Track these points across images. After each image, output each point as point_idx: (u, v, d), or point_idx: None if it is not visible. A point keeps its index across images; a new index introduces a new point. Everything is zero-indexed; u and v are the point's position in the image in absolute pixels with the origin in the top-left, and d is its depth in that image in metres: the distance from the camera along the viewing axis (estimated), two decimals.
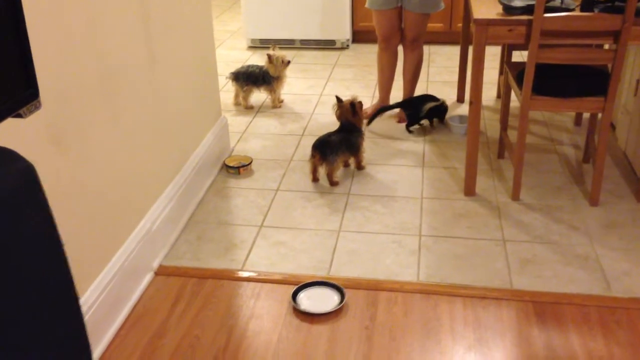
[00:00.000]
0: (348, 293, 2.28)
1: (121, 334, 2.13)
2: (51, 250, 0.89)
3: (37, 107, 0.86)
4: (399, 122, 3.74)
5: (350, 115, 3.12)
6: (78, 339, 1.00)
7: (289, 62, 3.93)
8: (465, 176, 2.95)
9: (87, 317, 1.93)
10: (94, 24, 1.96)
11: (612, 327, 2.12)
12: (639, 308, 2.21)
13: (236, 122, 3.77)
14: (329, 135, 3.11)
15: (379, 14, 3.61)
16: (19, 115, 0.84)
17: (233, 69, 4.02)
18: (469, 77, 2.95)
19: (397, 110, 3.79)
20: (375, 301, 2.27)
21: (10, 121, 0.88)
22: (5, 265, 0.81)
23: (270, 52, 3.91)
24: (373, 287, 2.34)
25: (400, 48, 3.76)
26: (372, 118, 3.64)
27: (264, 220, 2.78)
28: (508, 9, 2.63)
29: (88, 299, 1.97)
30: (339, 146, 3.04)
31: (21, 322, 0.86)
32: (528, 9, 2.57)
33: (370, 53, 4.80)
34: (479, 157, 3.04)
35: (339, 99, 3.15)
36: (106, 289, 2.06)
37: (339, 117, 3.16)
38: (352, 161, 3.20)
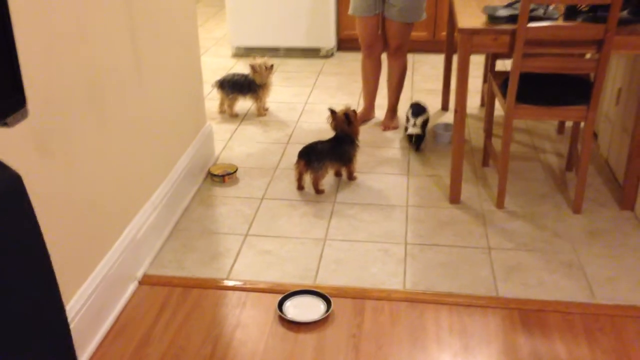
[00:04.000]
0: (334, 302, 2.28)
1: (105, 344, 2.10)
2: (37, 260, 0.88)
3: (24, 116, 0.85)
4: (384, 130, 3.75)
5: (345, 126, 3.10)
6: (64, 348, 0.99)
7: (272, 66, 3.91)
8: (450, 184, 2.96)
9: (71, 327, 1.91)
10: (80, 31, 1.95)
11: (596, 334, 2.14)
12: (623, 315, 2.23)
13: (221, 130, 3.76)
14: (317, 142, 3.09)
15: (360, 20, 3.64)
16: (5, 125, 0.83)
17: (218, 77, 4.01)
18: (453, 85, 2.97)
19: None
20: (362, 310, 2.27)
21: None
22: None
23: (252, 62, 3.90)
24: (359, 295, 2.34)
25: (384, 56, 3.77)
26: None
27: (249, 228, 2.77)
28: (492, 19, 2.65)
29: (72, 308, 1.95)
30: (325, 154, 3.02)
31: (5, 330, 0.85)
32: (512, 19, 2.59)
33: (354, 61, 4.81)
34: (464, 165, 3.05)
35: (332, 111, 3.14)
36: (90, 298, 2.04)
37: (334, 128, 3.14)
38: (344, 171, 3.19)
